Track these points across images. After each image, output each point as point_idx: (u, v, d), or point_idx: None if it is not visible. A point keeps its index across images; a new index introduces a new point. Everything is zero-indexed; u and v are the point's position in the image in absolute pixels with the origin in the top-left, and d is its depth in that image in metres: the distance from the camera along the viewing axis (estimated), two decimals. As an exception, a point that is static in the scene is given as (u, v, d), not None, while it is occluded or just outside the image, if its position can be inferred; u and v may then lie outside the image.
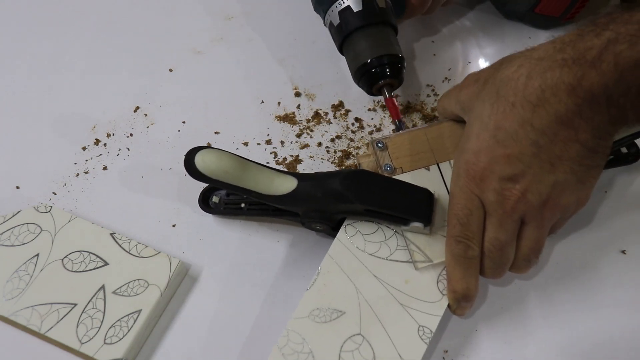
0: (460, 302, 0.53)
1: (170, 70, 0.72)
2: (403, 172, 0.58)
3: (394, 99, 0.64)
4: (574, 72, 0.48)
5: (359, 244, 0.56)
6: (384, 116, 0.69)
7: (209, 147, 0.55)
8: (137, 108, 0.69)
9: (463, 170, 0.52)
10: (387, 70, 0.63)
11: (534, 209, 0.51)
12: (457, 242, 0.52)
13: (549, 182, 0.50)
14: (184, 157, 0.54)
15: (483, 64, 0.72)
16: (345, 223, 0.57)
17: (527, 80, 0.50)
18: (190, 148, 0.55)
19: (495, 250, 0.52)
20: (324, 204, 0.55)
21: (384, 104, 0.66)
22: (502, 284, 0.59)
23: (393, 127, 0.67)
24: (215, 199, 0.62)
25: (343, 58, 0.72)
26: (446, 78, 0.71)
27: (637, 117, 0.50)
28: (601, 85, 0.48)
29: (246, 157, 0.65)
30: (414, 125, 0.67)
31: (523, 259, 0.54)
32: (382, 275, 0.55)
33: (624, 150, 0.63)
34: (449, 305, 0.54)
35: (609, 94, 0.48)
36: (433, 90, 0.70)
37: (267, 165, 0.56)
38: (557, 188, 0.51)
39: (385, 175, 0.58)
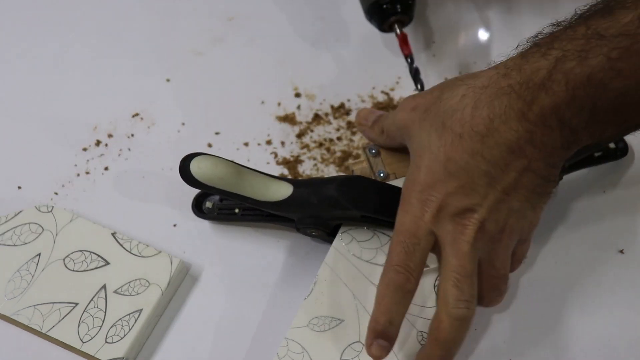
0: (378, 337, 0.50)
1: (171, 72, 0.72)
2: (396, 178, 0.58)
3: (406, 35, 0.66)
4: (523, 97, 0.47)
5: (355, 251, 0.56)
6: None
7: (204, 153, 0.55)
8: (138, 109, 0.69)
9: (418, 201, 0.50)
10: (398, 6, 0.65)
11: (493, 237, 0.50)
12: (397, 272, 0.49)
13: (504, 210, 0.50)
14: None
15: (486, 63, 0.72)
16: (340, 230, 0.57)
17: (473, 111, 0.49)
18: (185, 154, 0.55)
19: (462, 278, 0.49)
20: (319, 210, 0.55)
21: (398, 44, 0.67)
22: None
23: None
24: (208, 204, 0.62)
25: (342, 58, 0.72)
26: (446, 79, 0.71)
27: (590, 137, 0.49)
28: (553, 107, 0.47)
29: (246, 159, 0.66)
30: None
31: (492, 289, 0.52)
32: None
33: (612, 145, 0.63)
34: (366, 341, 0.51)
35: (561, 115, 0.47)
36: (433, 90, 0.70)
37: (262, 171, 0.56)
38: (513, 215, 0.50)
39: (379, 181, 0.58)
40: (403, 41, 0.66)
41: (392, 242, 0.51)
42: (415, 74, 0.65)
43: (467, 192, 0.49)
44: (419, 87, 0.65)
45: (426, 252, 0.50)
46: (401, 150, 0.59)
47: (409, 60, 0.66)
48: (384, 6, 0.66)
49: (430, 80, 0.71)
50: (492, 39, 0.74)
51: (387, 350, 0.50)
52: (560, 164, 0.50)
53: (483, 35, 0.74)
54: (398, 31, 0.66)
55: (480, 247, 0.50)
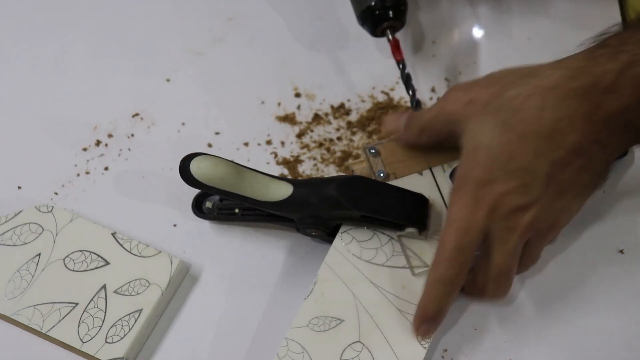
0: (428, 322, 0.52)
1: (171, 72, 0.72)
2: (396, 178, 0.58)
3: (398, 41, 0.66)
4: (590, 100, 0.48)
5: (355, 251, 0.56)
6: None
7: (204, 153, 0.55)
8: (138, 109, 0.70)
9: (473, 198, 0.50)
10: (390, 12, 0.65)
11: (540, 233, 0.52)
12: (449, 268, 0.51)
13: (556, 208, 0.51)
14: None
15: (486, 64, 0.72)
16: (340, 230, 0.57)
17: (539, 112, 0.49)
18: (185, 154, 0.55)
19: (502, 275, 0.52)
20: (319, 210, 0.55)
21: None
22: (501, 284, 0.59)
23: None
24: (208, 204, 0.62)
25: (342, 58, 0.72)
26: (446, 79, 0.71)
27: None
28: (620, 111, 0.47)
29: (246, 159, 0.66)
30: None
31: (523, 269, 0.55)
32: (379, 282, 0.55)
33: None
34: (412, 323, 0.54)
35: (627, 118, 0.48)
36: (433, 90, 0.71)
37: (262, 171, 0.56)
38: (563, 213, 0.51)
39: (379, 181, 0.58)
40: (395, 47, 0.66)
41: (444, 236, 0.51)
42: (407, 80, 0.65)
43: (524, 192, 0.50)
44: (410, 93, 0.65)
45: (476, 247, 0.51)
46: (400, 150, 0.59)
47: (400, 66, 0.65)
48: (377, 12, 0.66)
49: (427, 81, 0.71)
50: (485, 40, 0.74)
51: (433, 331, 0.53)
52: (614, 160, 0.51)
53: (477, 34, 0.74)
54: (390, 37, 0.66)
55: (524, 241, 0.52)
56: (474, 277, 0.54)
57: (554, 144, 0.49)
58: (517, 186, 0.49)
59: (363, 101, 0.70)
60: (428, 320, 0.52)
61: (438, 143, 0.58)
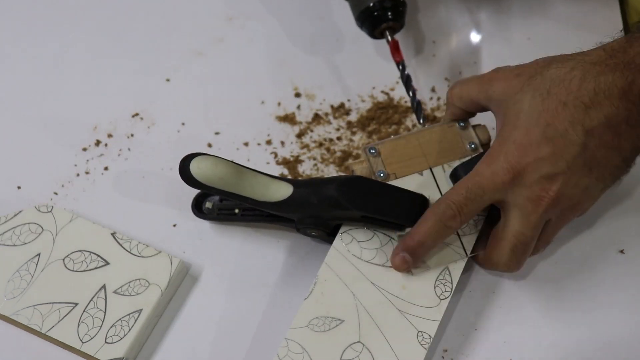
0: (407, 251, 0.54)
1: (171, 72, 0.72)
2: (396, 178, 0.58)
3: (397, 42, 0.66)
4: (626, 76, 0.50)
5: (355, 252, 0.56)
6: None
7: (203, 153, 0.55)
8: (138, 109, 0.70)
9: (504, 160, 0.52)
10: (389, 13, 0.65)
11: (562, 212, 0.53)
12: (449, 207, 0.52)
13: (582, 185, 0.52)
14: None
15: (486, 63, 0.72)
16: (341, 230, 0.57)
17: (580, 82, 0.51)
18: (185, 155, 0.55)
19: (520, 245, 0.53)
20: (319, 210, 0.55)
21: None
22: (503, 284, 0.59)
23: (391, 128, 0.68)
24: (208, 204, 0.62)
25: (342, 58, 0.72)
26: (446, 78, 0.71)
27: None
28: None
29: (246, 159, 0.66)
30: (414, 126, 0.68)
31: (535, 250, 0.56)
32: (379, 282, 0.55)
33: None
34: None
35: None
36: (433, 90, 0.71)
37: (262, 172, 0.56)
38: (587, 193, 0.53)
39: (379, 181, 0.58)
40: (394, 48, 0.66)
41: (459, 183, 0.53)
42: (407, 81, 0.65)
43: (556, 160, 0.51)
44: (410, 94, 0.65)
45: (483, 207, 0.53)
46: (400, 150, 0.59)
47: (400, 67, 0.65)
48: (375, 13, 0.65)
49: (428, 81, 0.71)
50: (485, 40, 0.74)
51: (408, 265, 0.55)
52: (638, 153, 0.53)
53: (477, 34, 0.74)
54: (389, 38, 0.66)
55: (547, 217, 0.53)
56: (491, 244, 0.55)
57: (590, 114, 0.51)
58: (550, 153, 0.51)
59: (363, 101, 0.70)
60: (408, 249, 0.54)
61: (470, 115, 0.60)
